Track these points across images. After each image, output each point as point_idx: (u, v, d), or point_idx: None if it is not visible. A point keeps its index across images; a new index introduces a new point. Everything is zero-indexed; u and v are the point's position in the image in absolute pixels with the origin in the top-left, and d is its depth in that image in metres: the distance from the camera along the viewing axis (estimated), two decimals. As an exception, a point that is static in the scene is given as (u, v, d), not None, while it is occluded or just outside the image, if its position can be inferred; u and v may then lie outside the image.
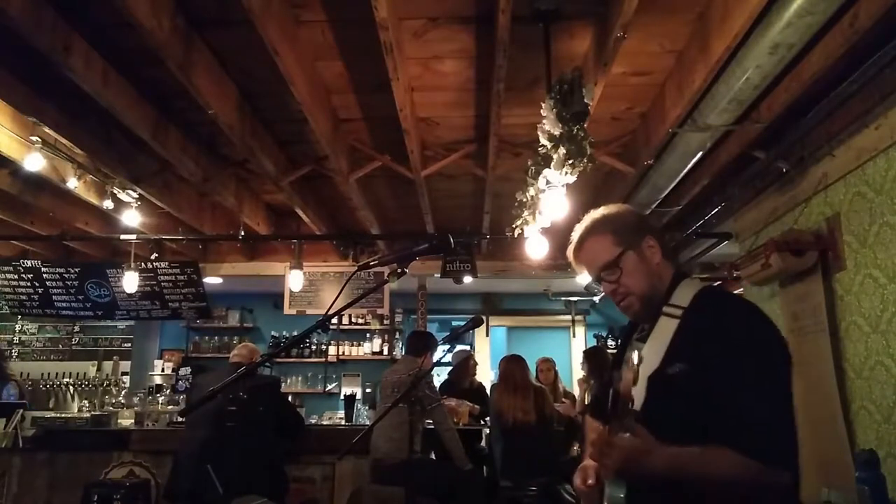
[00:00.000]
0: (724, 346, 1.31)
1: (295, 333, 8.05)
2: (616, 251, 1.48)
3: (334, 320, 1.72)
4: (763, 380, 1.29)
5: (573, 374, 7.64)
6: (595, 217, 1.55)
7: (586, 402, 4.88)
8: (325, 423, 7.00)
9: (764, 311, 1.41)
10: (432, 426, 4.22)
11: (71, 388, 7.34)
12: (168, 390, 6.04)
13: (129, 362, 7.88)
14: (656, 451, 1.29)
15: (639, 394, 1.39)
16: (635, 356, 1.41)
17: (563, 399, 5.30)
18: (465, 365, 5.67)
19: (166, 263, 5.76)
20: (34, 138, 3.75)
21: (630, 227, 1.51)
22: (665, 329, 1.41)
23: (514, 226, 3.69)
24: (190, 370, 7.54)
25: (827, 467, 3.35)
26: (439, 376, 7.30)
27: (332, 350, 8.29)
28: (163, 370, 8.21)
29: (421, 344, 4.42)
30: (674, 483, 1.29)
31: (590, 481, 1.47)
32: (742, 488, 1.25)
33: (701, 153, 3.64)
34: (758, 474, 1.22)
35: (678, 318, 1.40)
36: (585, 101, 2.59)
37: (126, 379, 7.65)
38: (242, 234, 5.31)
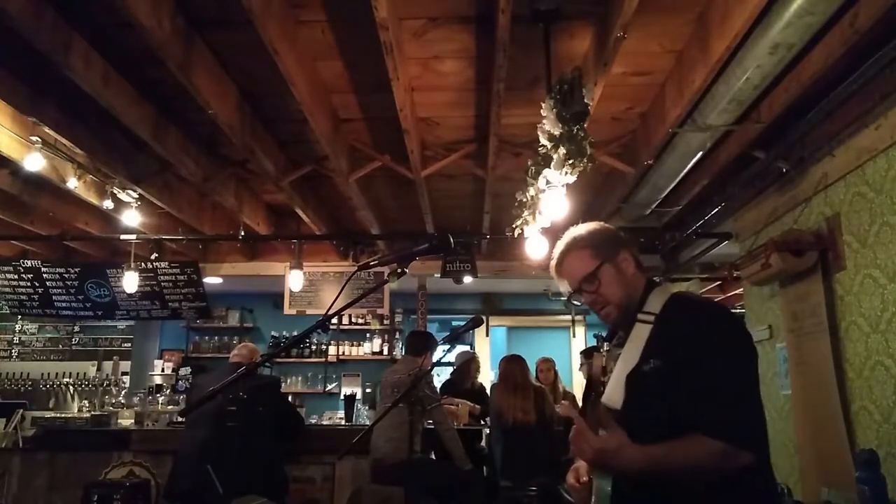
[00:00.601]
0: (694, 342, 1.44)
1: (295, 333, 8.05)
2: (594, 264, 1.62)
3: (334, 320, 1.72)
4: (730, 370, 1.42)
5: (573, 374, 7.64)
6: (574, 235, 1.70)
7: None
8: (325, 423, 7.00)
9: (732, 312, 1.59)
10: (432, 426, 4.22)
11: (71, 388, 7.34)
12: (168, 390, 6.05)
13: (129, 362, 7.87)
14: (627, 450, 1.38)
15: (618, 393, 1.50)
16: (604, 347, 1.58)
17: (563, 401, 5.30)
18: (467, 367, 5.67)
19: (166, 263, 5.76)
20: (34, 138, 3.75)
21: (606, 243, 1.66)
22: (640, 334, 1.54)
23: (514, 226, 3.69)
24: (190, 370, 7.56)
25: (827, 467, 3.36)
26: (439, 376, 7.30)
27: (332, 350, 8.29)
28: (163, 370, 8.21)
29: (421, 344, 4.42)
30: (654, 474, 1.39)
31: (583, 479, 1.58)
32: (714, 471, 1.35)
33: (701, 153, 3.64)
34: (728, 456, 1.33)
35: (651, 323, 1.53)
36: (585, 101, 2.59)
37: (126, 379, 7.65)
38: (242, 234, 5.31)
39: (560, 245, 1.72)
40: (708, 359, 1.42)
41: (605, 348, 1.56)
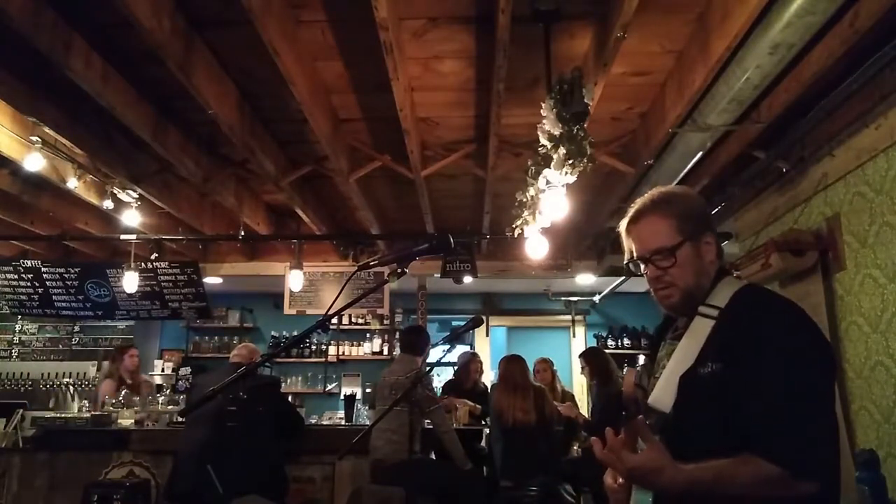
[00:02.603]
0: (759, 347, 1.25)
1: (295, 333, 8.05)
2: (676, 239, 1.40)
3: (334, 320, 1.72)
4: (799, 382, 1.22)
5: (573, 374, 7.64)
6: (664, 193, 1.47)
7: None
8: (325, 423, 6.99)
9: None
10: (430, 427, 4.22)
11: (71, 388, 7.34)
12: (168, 390, 6.04)
13: (129, 362, 7.86)
14: (668, 471, 1.22)
15: (668, 394, 1.34)
16: (639, 363, 1.37)
17: (564, 402, 5.28)
18: (467, 367, 5.67)
19: (166, 263, 5.75)
20: (34, 138, 3.75)
21: (696, 218, 1.44)
22: (700, 329, 1.36)
23: (514, 226, 3.69)
24: (190, 370, 7.54)
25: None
26: (440, 376, 7.30)
27: (332, 350, 8.28)
28: (163, 370, 8.21)
29: (421, 341, 4.40)
30: (697, 497, 1.24)
31: (620, 480, 1.43)
32: (767, 499, 1.19)
33: (701, 153, 3.64)
34: (783, 484, 1.15)
35: (714, 318, 1.34)
36: (585, 101, 2.59)
37: (126, 379, 7.64)
38: (242, 234, 5.31)
39: (643, 201, 1.48)
40: (773, 367, 1.22)
41: (640, 363, 1.40)
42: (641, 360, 1.40)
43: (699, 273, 1.41)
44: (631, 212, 1.49)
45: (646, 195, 1.49)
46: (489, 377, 7.60)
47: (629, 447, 1.27)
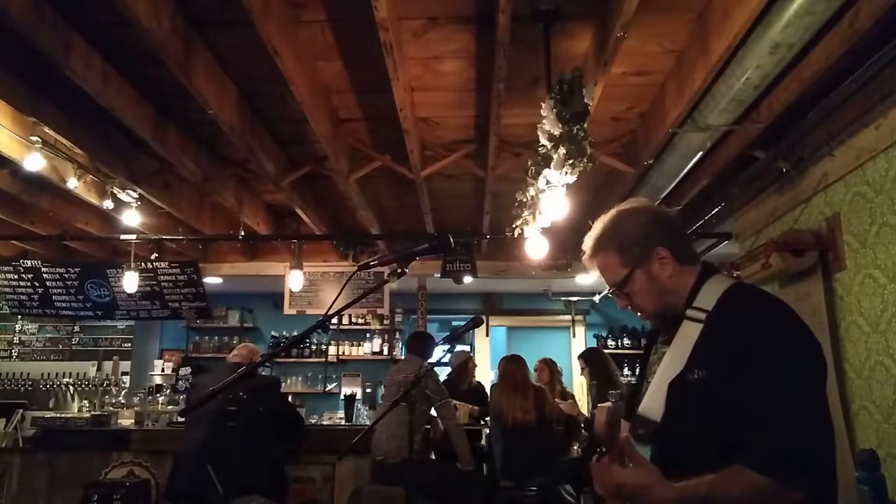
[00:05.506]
0: (745, 353, 1.22)
1: (295, 333, 8.05)
2: (622, 273, 1.42)
3: (334, 320, 1.71)
4: (785, 390, 1.19)
5: (573, 374, 7.64)
6: (599, 231, 1.48)
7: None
8: (325, 423, 7.00)
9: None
10: (429, 427, 4.24)
11: (71, 388, 7.34)
12: (168, 390, 6.04)
13: (129, 362, 7.88)
14: (658, 487, 1.20)
15: (658, 403, 1.32)
16: (611, 395, 1.33)
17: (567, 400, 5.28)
18: (464, 367, 5.67)
19: (166, 263, 5.75)
20: (34, 138, 3.75)
21: (636, 242, 1.42)
22: (688, 334, 1.33)
23: (514, 226, 3.69)
24: (190, 370, 7.56)
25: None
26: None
27: (332, 350, 8.29)
28: (163, 370, 8.21)
29: (429, 346, 4.50)
30: None
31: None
32: None
33: (701, 153, 3.64)
34: (773, 494, 1.12)
35: (702, 321, 1.32)
36: (585, 101, 2.59)
37: (126, 379, 7.65)
38: (242, 234, 5.31)
39: (589, 239, 1.50)
40: (759, 373, 1.19)
41: (613, 397, 1.34)
42: (612, 395, 1.32)
43: (661, 292, 1.41)
44: (585, 255, 1.52)
45: (590, 231, 1.51)
46: (489, 377, 7.61)
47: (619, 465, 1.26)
